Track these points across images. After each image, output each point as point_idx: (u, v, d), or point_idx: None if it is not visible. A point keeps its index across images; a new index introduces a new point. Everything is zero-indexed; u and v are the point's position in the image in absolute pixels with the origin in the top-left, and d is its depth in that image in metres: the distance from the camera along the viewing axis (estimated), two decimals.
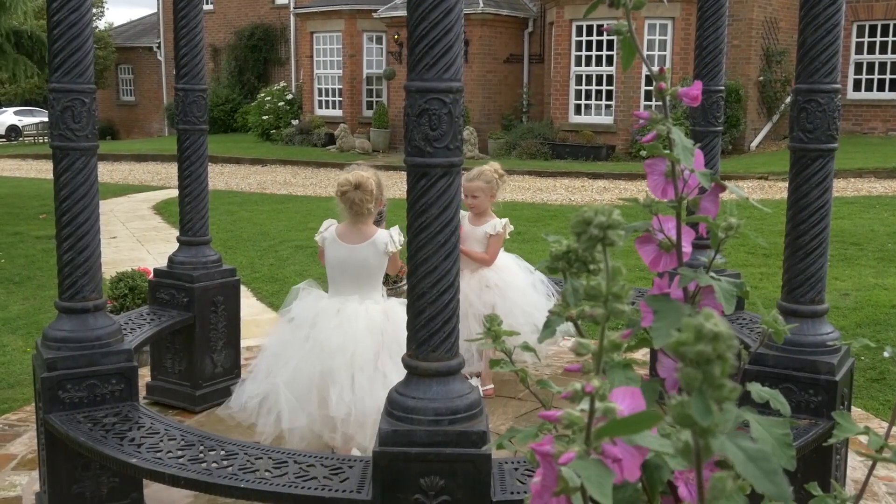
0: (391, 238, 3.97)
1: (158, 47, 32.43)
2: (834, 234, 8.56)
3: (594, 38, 18.84)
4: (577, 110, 19.46)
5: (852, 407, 4.12)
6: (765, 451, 0.70)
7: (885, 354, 1.30)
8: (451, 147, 2.40)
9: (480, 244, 4.85)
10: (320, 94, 23.96)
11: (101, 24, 33.74)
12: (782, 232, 3.33)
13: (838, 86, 3.11)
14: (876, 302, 6.42)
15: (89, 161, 3.30)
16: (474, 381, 4.59)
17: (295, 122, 24.00)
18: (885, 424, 3.97)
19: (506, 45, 21.10)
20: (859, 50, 20.49)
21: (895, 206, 11.26)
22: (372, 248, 3.94)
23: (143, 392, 4.55)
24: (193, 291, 4.47)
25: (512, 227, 4.98)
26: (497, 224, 4.83)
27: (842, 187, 13.25)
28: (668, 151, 1.01)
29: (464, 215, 4.73)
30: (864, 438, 1.14)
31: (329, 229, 4.03)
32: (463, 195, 4.54)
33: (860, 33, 20.45)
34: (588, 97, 19.31)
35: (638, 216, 1.15)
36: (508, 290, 4.80)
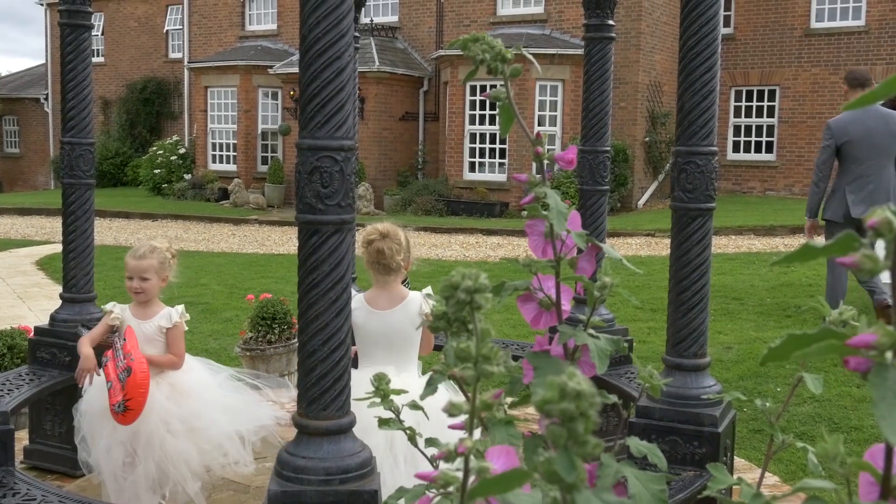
0: (424, 299, 3.55)
1: (46, 99, 31.57)
2: (716, 289, 8.88)
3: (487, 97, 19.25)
4: (472, 168, 19.78)
5: (736, 457, 4.25)
6: (637, 497, 0.73)
7: (757, 403, 1.35)
8: (342, 204, 2.41)
9: (154, 344, 3.79)
10: (214, 149, 23.69)
11: None
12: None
13: (715, 148, 3.27)
14: (757, 355, 6.67)
15: None
16: None
17: (188, 177, 23.62)
18: (767, 474, 4.10)
19: (401, 103, 21.36)
20: (738, 113, 21.57)
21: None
22: (405, 311, 3.53)
23: (20, 456, 4.34)
24: (76, 350, 4.32)
25: (187, 315, 3.98)
26: (172, 314, 3.85)
27: (723, 244, 13.78)
28: (546, 213, 1.05)
29: (124, 308, 3.89)
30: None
31: (356, 297, 3.52)
32: (128, 278, 3.82)
33: (738, 98, 21.54)
34: (482, 155, 19.67)
35: (522, 273, 1.18)
36: (207, 393, 3.88)
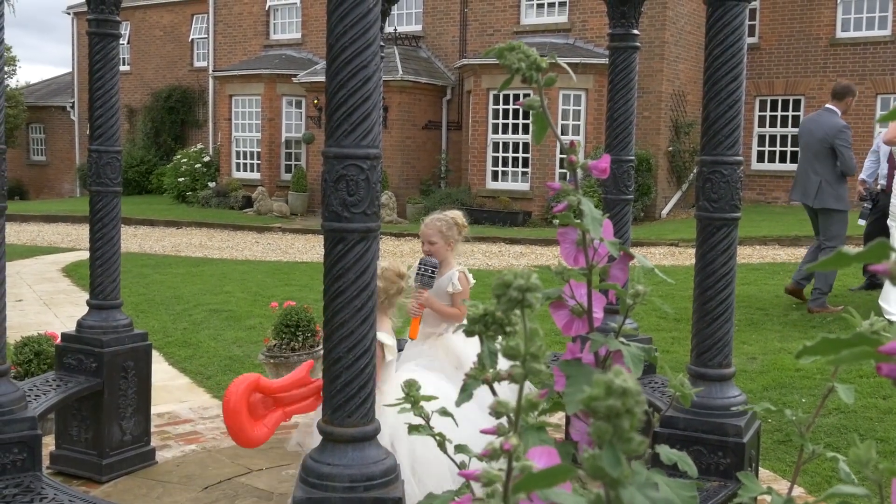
0: (452, 280, 4.35)
1: (72, 107, 31.89)
2: (741, 299, 8.81)
3: (511, 106, 19.27)
4: (495, 177, 19.78)
5: (760, 468, 4.22)
6: (672, 499, 0.73)
7: (787, 414, 1.34)
8: (368, 212, 2.42)
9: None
10: (238, 157, 23.84)
11: (12, 83, 33.04)
12: (692, 297, 3.43)
13: (740, 158, 3.25)
14: (781, 365, 6.62)
15: None
16: None
17: (212, 185, 23.77)
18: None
19: (424, 112, 21.41)
20: (762, 123, 21.44)
21: None
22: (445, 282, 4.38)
23: (46, 462, 4.38)
24: (102, 357, 4.35)
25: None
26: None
27: (748, 254, 13.69)
28: (578, 221, 1.05)
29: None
30: (770, 497, 1.18)
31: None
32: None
33: (762, 107, 21.41)
34: (505, 164, 19.66)
35: (553, 282, 1.19)
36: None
